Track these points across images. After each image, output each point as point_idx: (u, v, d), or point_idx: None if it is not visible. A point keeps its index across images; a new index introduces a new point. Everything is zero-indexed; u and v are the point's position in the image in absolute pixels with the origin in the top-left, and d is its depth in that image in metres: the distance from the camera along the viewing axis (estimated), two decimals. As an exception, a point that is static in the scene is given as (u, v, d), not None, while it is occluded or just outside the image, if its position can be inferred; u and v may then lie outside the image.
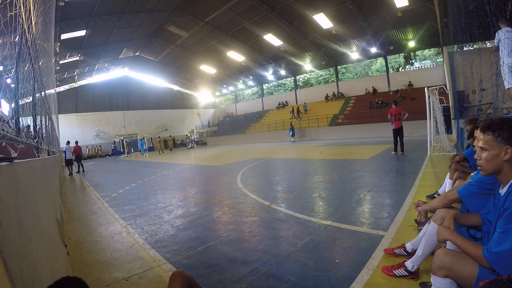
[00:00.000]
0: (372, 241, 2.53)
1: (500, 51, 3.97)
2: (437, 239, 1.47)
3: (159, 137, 28.84)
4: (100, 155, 27.93)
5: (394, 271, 1.93)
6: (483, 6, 4.14)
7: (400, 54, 26.24)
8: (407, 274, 1.89)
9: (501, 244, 1.15)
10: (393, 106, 8.73)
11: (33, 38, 2.75)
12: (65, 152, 12.32)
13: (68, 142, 12.47)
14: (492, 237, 1.22)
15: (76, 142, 14.00)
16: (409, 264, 1.89)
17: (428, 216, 2.02)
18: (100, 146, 28.64)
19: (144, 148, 23.89)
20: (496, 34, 3.96)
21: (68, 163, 12.34)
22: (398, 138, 8.41)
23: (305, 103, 27.57)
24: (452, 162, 3.10)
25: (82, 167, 13.30)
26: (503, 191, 1.26)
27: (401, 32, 19.46)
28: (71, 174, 11.95)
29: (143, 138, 27.12)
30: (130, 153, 25.70)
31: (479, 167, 1.33)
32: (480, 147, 1.30)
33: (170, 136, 33.11)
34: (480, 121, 1.89)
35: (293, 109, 26.81)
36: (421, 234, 2.04)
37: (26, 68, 2.39)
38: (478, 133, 1.32)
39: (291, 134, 21.94)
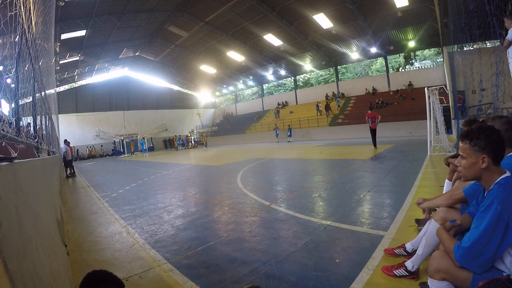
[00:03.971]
0: (372, 241, 2.53)
1: (509, 51, 3.95)
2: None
3: (175, 135, 29.85)
4: (101, 155, 27.94)
5: (394, 271, 1.93)
6: (483, 6, 4.14)
7: (400, 54, 26.21)
8: (407, 274, 1.89)
9: (471, 239, 1.18)
10: (369, 111, 10.76)
11: (33, 38, 2.75)
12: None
13: (65, 141, 11.35)
14: (466, 233, 1.25)
15: (67, 142, 11.60)
16: (409, 264, 1.89)
17: (432, 214, 2.02)
18: (101, 146, 28.66)
19: (144, 148, 23.88)
20: (510, 30, 3.92)
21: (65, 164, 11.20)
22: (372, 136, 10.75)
23: (337, 98, 24.71)
24: (447, 162, 3.11)
25: (73, 169, 11.55)
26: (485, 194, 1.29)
27: (401, 32, 19.46)
28: (68, 176, 11.19)
29: (144, 138, 27.08)
30: (135, 153, 24.99)
31: (460, 173, 1.37)
32: (460, 155, 1.32)
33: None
34: (482, 121, 1.87)
35: (318, 105, 24.24)
36: (421, 234, 2.04)
37: (26, 68, 2.39)
38: (460, 141, 1.34)
39: (289, 134, 22.03)
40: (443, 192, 3.08)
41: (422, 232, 2.01)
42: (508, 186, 1.18)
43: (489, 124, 1.29)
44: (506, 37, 3.97)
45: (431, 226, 1.87)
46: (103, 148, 28.63)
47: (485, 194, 1.29)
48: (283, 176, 6.90)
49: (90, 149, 27.78)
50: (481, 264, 1.16)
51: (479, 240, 1.15)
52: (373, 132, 10.64)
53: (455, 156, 3.09)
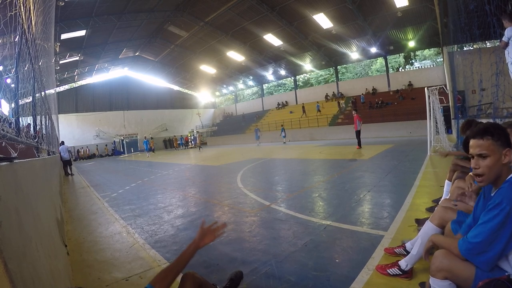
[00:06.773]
0: (372, 241, 2.53)
1: (507, 52, 3.94)
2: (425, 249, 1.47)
3: (174, 136, 30.71)
4: (101, 155, 27.94)
5: (387, 270, 1.93)
6: (483, 6, 4.14)
7: (400, 54, 26.22)
8: (400, 273, 1.88)
9: (477, 235, 1.18)
10: (354, 114, 11.69)
11: (33, 38, 2.75)
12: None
13: (63, 143, 11.75)
14: (472, 228, 1.25)
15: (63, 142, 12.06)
16: (402, 263, 1.89)
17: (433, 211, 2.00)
18: (106, 145, 28.79)
19: (147, 147, 23.72)
20: (506, 31, 3.92)
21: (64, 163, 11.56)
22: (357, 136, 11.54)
23: (362, 94, 23.42)
24: (455, 164, 3.03)
25: (67, 169, 11.83)
26: (494, 192, 1.27)
27: (401, 32, 19.46)
28: (67, 174, 11.58)
29: (145, 137, 26.98)
30: (151, 151, 23.81)
31: (479, 177, 1.25)
32: (479, 155, 1.22)
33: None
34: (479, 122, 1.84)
35: (339, 102, 23.80)
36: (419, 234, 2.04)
37: (26, 68, 2.39)
38: (473, 140, 1.25)
39: (283, 135, 21.89)
40: (443, 192, 3.08)
41: (420, 232, 2.02)
42: None
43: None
44: (502, 39, 3.97)
45: (427, 226, 1.87)
46: (101, 147, 28.59)
47: (492, 193, 1.28)
48: (283, 176, 6.90)
49: (88, 149, 27.76)
50: (486, 261, 1.16)
51: (485, 237, 1.15)
52: (359, 132, 11.55)
53: (467, 158, 2.87)
